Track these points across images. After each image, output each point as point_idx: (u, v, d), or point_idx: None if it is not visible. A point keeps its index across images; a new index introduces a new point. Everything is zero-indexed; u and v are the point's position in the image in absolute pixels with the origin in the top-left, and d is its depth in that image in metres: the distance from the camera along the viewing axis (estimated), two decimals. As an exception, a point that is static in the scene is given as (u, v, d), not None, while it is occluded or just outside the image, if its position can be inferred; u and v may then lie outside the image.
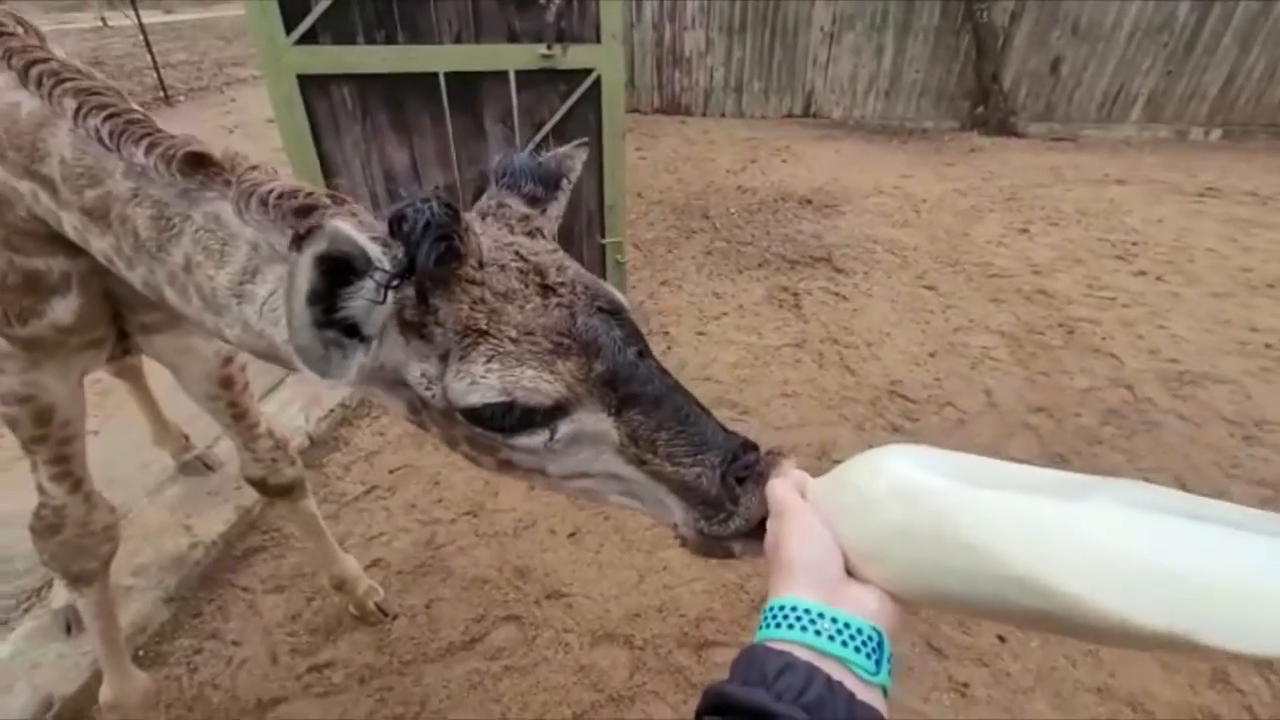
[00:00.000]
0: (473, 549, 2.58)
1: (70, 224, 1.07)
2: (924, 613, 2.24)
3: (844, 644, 0.53)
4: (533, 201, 0.88)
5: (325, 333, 0.70)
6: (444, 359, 0.74)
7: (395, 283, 0.68)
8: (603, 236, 3.59)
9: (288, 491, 2.02)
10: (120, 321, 1.43)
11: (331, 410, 3.12)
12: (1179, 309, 4.39)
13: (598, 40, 3.10)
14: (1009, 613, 0.54)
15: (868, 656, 0.53)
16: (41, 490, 1.60)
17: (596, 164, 3.42)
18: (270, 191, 0.84)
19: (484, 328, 0.72)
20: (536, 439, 0.75)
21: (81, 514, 1.64)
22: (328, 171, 3.02)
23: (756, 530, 0.70)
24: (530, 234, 0.83)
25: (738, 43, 8.93)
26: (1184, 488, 2.82)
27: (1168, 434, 3.24)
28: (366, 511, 2.76)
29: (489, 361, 0.72)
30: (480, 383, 0.72)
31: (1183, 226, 5.70)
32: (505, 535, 2.63)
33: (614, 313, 0.78)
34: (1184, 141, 8.37)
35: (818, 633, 0.53)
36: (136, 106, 1.04)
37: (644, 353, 0.77)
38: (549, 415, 0.73)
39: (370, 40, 2.85)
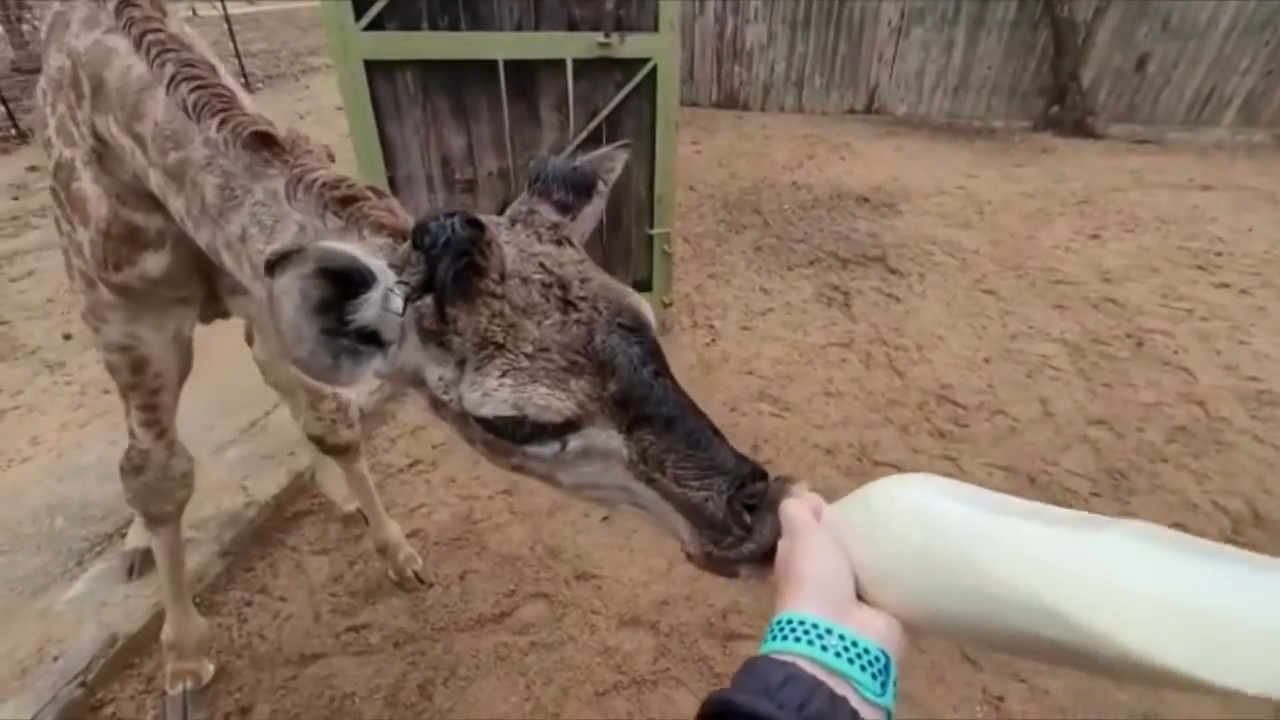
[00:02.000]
0: (507, 526, 2.64)
1: (155, 182, 1.16)
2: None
3: (849, 661, 0.53)
4: (564, 209, 0.87)
5: (339, 341, 0.73)
6: (461, 366, 0.75)
7: (415, 294, 0.71)
8: (651, 227, 3.59)
9: (343, 451, 2.13)
10: (211, 285, 1.53)
11: (381, 385, 3.24)
12: (1264, 324, 4.09)
13: (655, 29, 3.10)
14: (1019, 642, 0.53)
15: (873, 677, 0.53)
16: (132, 434, 1.73)
17: (648, 154, 3.43)
18: (315, 180, 0.91)
19: (501, 341, 0.73)
20: (547, 449, 0.76)
21: (163, 459, 1.77)
22: (389, 154, 3.13)
23: (765, 556, 0.69)
24: (558, 242, 0.83)
25: (801, 37, 8.76)
26: (1257, 515, 2.64)
27: (1241, 456, 3.03)
28: (409, 484, 2.86)
29: (503, 376, 0.73)
30: (493, 396, 0.73)
31: (1275, 237, 5.30)
32: (539, 515, 2.68)
33: (634, 329, 0.77)
34: (1283, 147, 7.77)
35: (824, 648, 0.53)
36: (226, 81, 1.12)
37: (660, 372, 0.76)
38: (560, 430, 0.75)
39: (434, 27, 2.93)
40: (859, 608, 0.58)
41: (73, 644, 2.05)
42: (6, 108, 7.31)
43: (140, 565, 2.26)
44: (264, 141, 0.98)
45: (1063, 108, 8.22)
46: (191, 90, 1.03)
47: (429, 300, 0.73)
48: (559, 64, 3.09)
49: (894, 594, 0.58)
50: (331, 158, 1.15)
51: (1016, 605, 0.52)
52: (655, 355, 0.77)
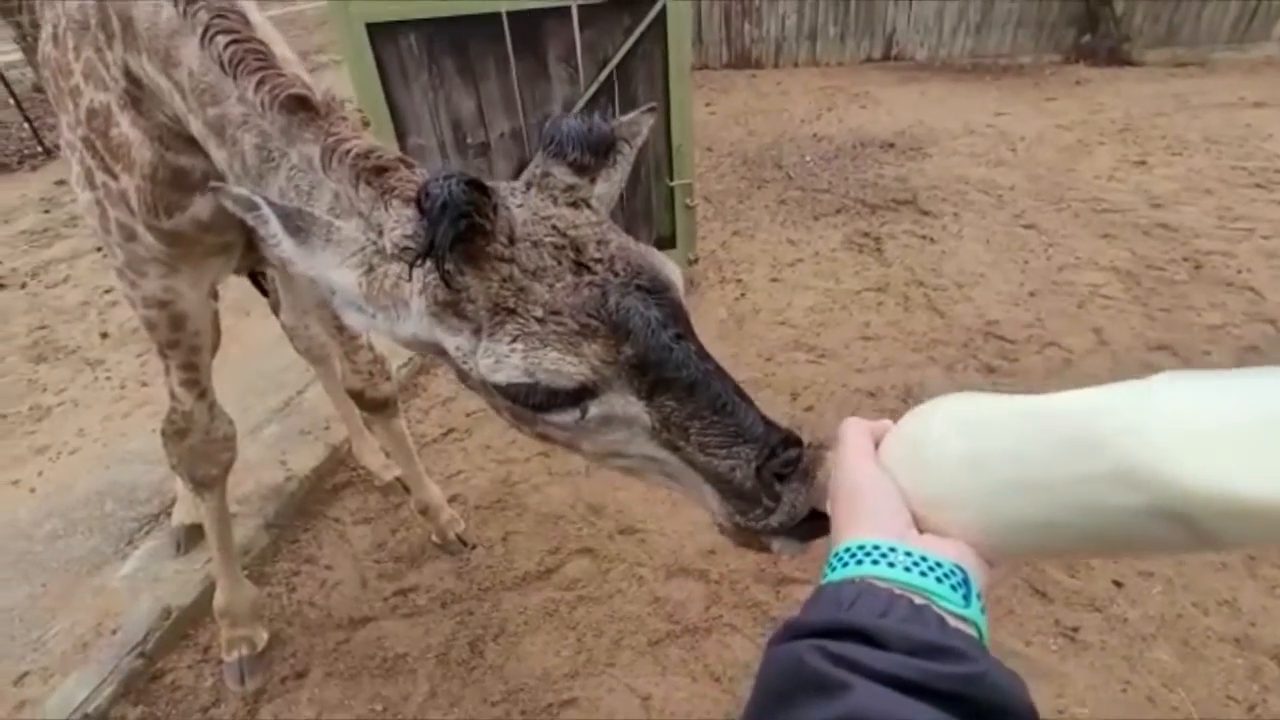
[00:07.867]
0: (546, 486, 2.60)
1: (196, 130, 1.15)
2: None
3: (922, 574, 0.47)
4: (580, 170, 0.82)
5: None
6: (477, 334, 0.74)
7: (419, 259, 0.68)
8: (670, 179, 3.48)
9: (383, 406, 2.11)
10: (250, 231, 1.50)
11: (410, 358, 3.22)
12: (1334, 237, 3.82)
13: (662, -33, 2.97)
14: (1092, 525, 0.46)
15: (953, 589, 0.46)
16: (173, 396, 1.73)
17: (664, 103, 3.31)
18: (350, 150, 0.88)
19: (512, 306, 0.71)
20: (567, 417, 0.74)
21: (206, 421, 1.77)
22: (398, 122, 3.06)
23: (800, 528, 0.66)
24: (574, 204, 0.79)
25: (811, -14, 8.44)
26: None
27: (1321, 371, 2.83)
28: (445, 452, 2.83)
29: (514, 341, 0.71)
30: (505, 361, 0.71)
31: (1339, 149, 4.95)
32: (578, 474, 2.63)
33: (654, 290, 0.73)
34: (1340, 57, 7.25)
35: (891, 565, 0.47)
36: (261, 34, 1.07)
37: (682, 335, 0.72)
38: (576, 396, 0.72)
39: (434, -16, 2.85)
40: (921, 537, 0.52)
41: (129, 618, 2.07)
42: (32, 127, 7.46)
43: (187, 541, 2.29)
44: (300, 105, 0.94)
45: (1095, 36, 7.79)
46: (227, 45, 0.99)
47: (434, 270, 0.70)
48: (564, 11, 2.98)
49: (952, 513, 0.52)
50: (366, 123, 1.14)
51: (1079, 478, 0.45)
52: (677, 317, 0.74)
